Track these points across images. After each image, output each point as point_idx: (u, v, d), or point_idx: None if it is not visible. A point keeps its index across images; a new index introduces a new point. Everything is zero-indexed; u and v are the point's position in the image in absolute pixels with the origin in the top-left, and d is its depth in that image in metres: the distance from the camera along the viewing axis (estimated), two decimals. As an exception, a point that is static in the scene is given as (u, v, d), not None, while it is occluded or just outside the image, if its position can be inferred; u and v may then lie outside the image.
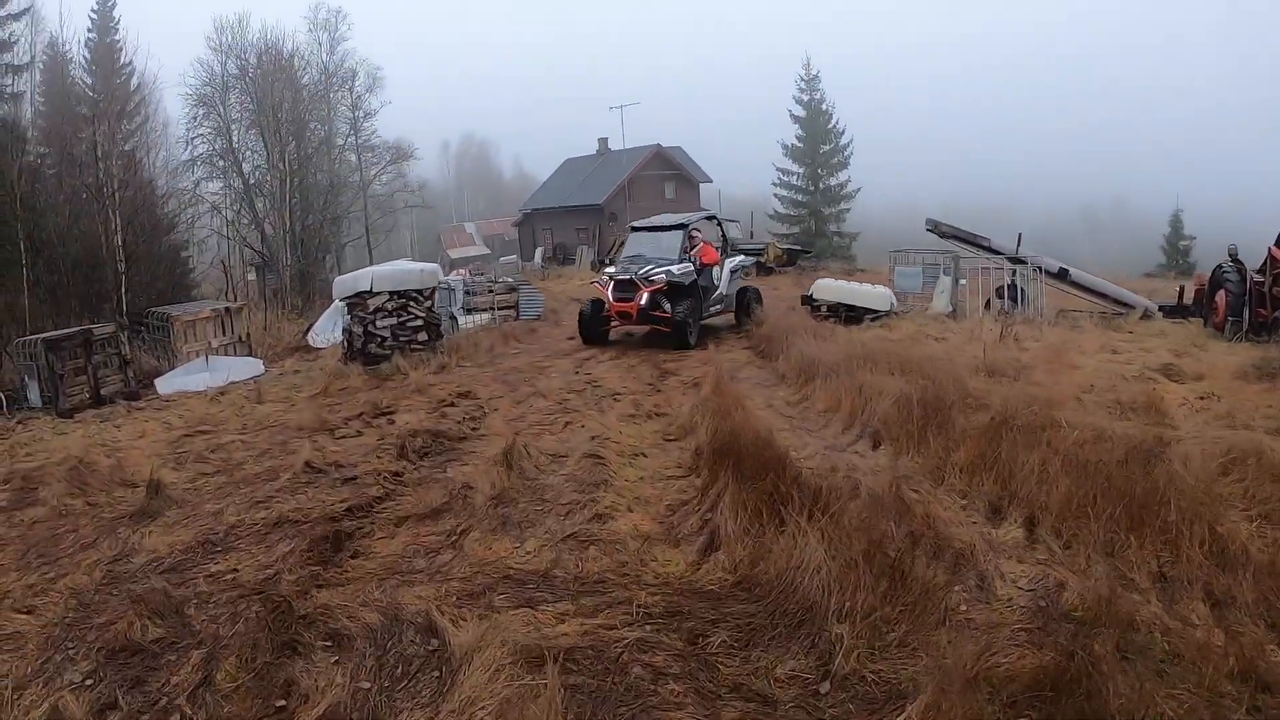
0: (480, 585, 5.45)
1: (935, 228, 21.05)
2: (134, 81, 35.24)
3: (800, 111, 53.93)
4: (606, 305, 15.84)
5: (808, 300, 18.94)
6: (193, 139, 31.41)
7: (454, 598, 5.24)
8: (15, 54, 28.94)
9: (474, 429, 9.78)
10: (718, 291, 16.61)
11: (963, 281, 19.70)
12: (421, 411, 10.68)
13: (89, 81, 34.41)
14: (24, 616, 5.49)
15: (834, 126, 53.84)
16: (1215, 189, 60.49)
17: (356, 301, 14.13)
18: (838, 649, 4.23)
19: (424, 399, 11.45)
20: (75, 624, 5.33)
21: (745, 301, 17.40)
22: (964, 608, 4.79)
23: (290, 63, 33.46)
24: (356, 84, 36.79)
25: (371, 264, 28.18)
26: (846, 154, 53.88)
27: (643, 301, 15.28)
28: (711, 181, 48.90)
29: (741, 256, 18.92)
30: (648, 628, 4.68)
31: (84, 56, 36.38)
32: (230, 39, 31.77)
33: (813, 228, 52.59)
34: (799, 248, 37.06)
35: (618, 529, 6.21)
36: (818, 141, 53.62)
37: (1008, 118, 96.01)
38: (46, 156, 22.62)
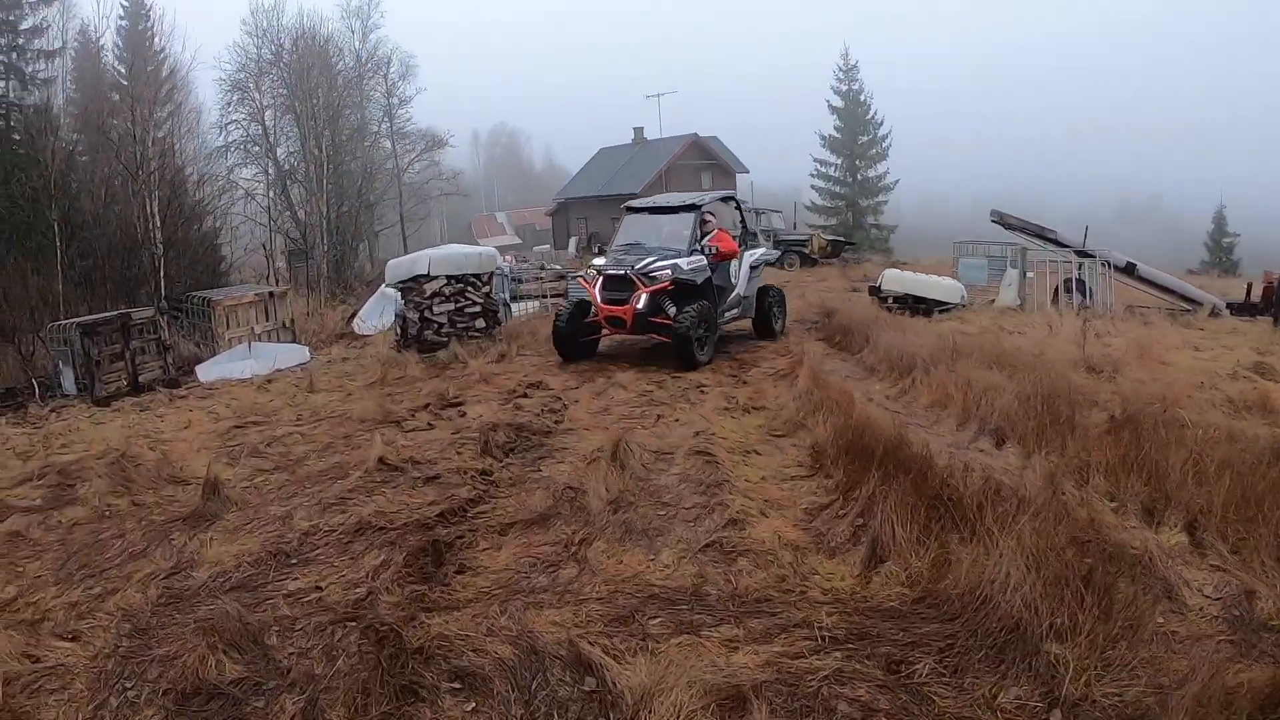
0: (624, 607, 4.54)
1: (1001, 219, 20.04)
2: (166, 68, 34.40)
3: (838, 102, 53.13)
4: (594, 308, 12.09)
5: (875, 291, 18.11)
6: (227, 124, 31.12)
7: (598, 624, 4.36)
8: (47, 39, 28.70)
9: (556, 422, 8.81)
10: (734, 292, 12.80)
11: (1030, 274, 18.81)
12: (493, 403, 9.71)
13: (121, 69, 34.11)
14: (68, 644, 4.54)
15: (872, 118, 52.88)
16: (1258, 187, 59.04)
17: (412, 286, 13.17)
18: (1061, 672, 3.65)
19: (491, 389, 10.49)
20: (132, 656, 4.37)
21: (767, 306, 13.59)
22: (1160, 619, 4.22)
23: (325, 48, 33.12)
24: (390, 71, 36.46)
25: (405, 252, 27.37)
26: (885, 145, 53.05)
27: (640, 305, 11.52)
28: (748, 172, 47.90)
29: (764, 249, 14.95)
30: (837, 654, 3.93)
31: (116, 43, 36.06)
32: (265, 23, 31.44)
33: (850, 220, 51.52)
34: (842, 239, 35.95)
35: (758, 537, 5.38)
36: (856, 133, 52.76)
37: (1039, 115, 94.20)
38: (79, 142, 22.08)
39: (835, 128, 52.92)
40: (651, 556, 5.20)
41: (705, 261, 11.87)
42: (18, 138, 24.31)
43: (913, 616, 4.30)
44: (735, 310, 12.95)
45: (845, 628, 4.19)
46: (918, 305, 16.94)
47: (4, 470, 8.25)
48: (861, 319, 13.85)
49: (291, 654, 4.24)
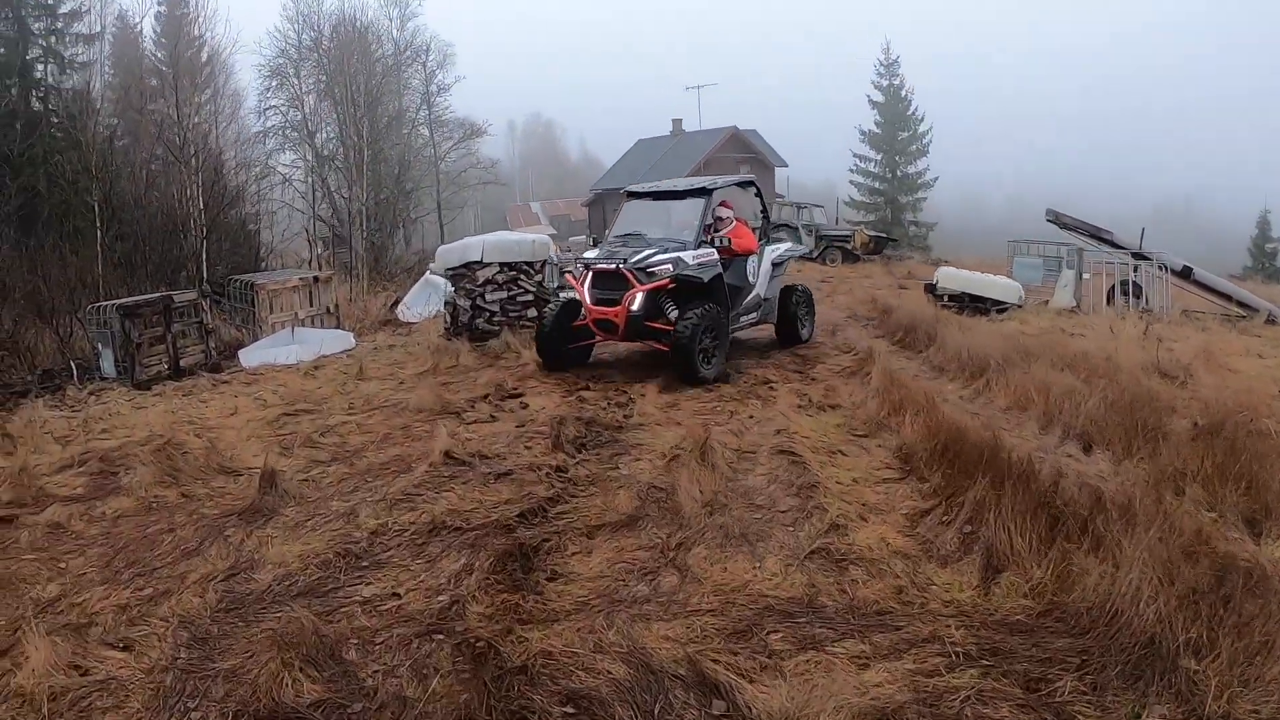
0: (740, 620, 4.11)
1: (1056, 218, 19.46)
2: (204, 54, 34.46)
3: (879, 97, 52.41)
4: (583, 310, 10.30)
5: (930, 288, 17.60)
6: (265, 110, 31.20)
7: (715, 639, 3.94)
8: (86, 24, 28.33)
9: (625, 417, 8.27)
10: (753, 293, 10.93)
11: (1087, 275, 18.25)
12: (555, 395, 9.21)
13: (159, 55, 34.04)
14: (120, 654, 4.04)
15: (913, 113, 52.02)
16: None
17: (463, 273, 12.64)
18: (1201, 689, 3.40)
19: (552, 381, 9.93)
20: (192, 670, 3.87)
21: (792, 310, 11.75)
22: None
23: (365, 35, 33.06)
24: (428, 59, 36.48)
25: (443, 240, 26.94)
26: (925, 141, 52.20)
27: (634, 307, 9.73)
28: (787, 166, 47.26)
29: (788, 244, 12.64)
30: (973, 672, 3.63)
31: (154, 28, 36.26)
32: (305, 9, 31.56)
33: (889, 216, 50.73)
34: (885, 235, 35.23)
35: (863, 543, 4.99)
36: (896, 128, 51.94)
37: (1073, 116, 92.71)
38: (117, 127, 21.93)
39: (875, 123, 52.23)
40: (756, 564, 4.77)
41: (716, 257, 10.10)
42: (56, 120, 24.25)
43: (1041, 631, 3.99)
44: (753, 314, 11.05)
45: (975, 643, 3.87)
46: (974, 304, 16.45)
47: (43, 455, 7.77)
48: (923, 317, 13.33)
49: (376, 672, 3.75)
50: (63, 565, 5.22)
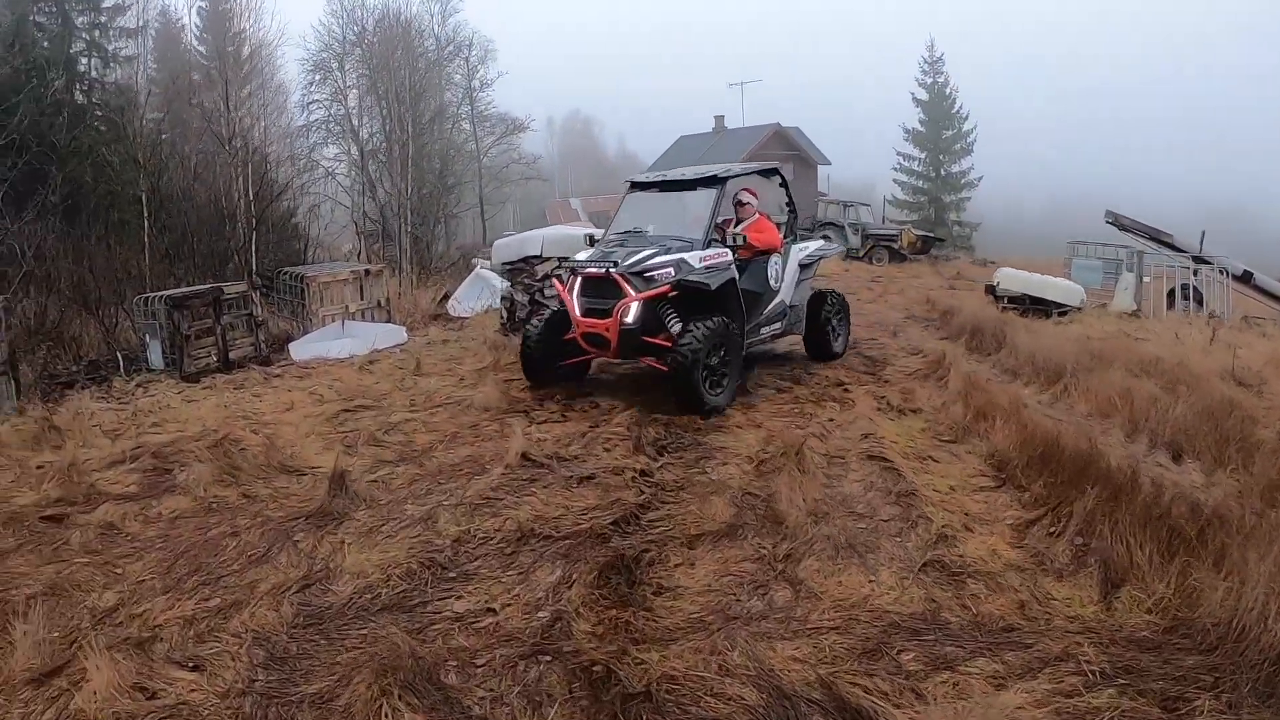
0: (866, 638, 3.83)
1: (1116, 220, 19.14)
2: (247, 48, 34.77)
3: (923, 95, 51.56)
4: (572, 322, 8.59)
5: (991, 289, 17.10)
6: (309, 104, 31.47)
7: (846, 659, 3.65)
8: (129, 18, 28.93)
9: (704, 418, 7.72)
10: (775, 300, 9.28)
11: (1147, 278, 17.74)
12: (625, 393, 8.70)
13: (201, 49, 34.37)
14: (190, 675, 3.63)
15: (957, 111, 51.07)
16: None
17: (521, 267, 12.24)
18: None
19: (619, 376, 9.49)
20: (274, 695, 3.44)
21: (824, 318, 10.05)
22: None
23: (408, 30, 33.10)
24: (470, 55, 36.64)
25: (485, 236, 26.70)
26: (970, 140, 51.20)
27: (627, 319, 8.08)
28: (830, 164, 46.69)
29: (820, 243, 10.94)
30: (1110, 692, 3.39)
31: (196, 23, 36.34)
32: (349, 3, 31.81)
33: (932, 215, 49.81)
34: (932, 235, 34.44)
35: (974, 555, 4.71)
36: (940, 126, 51.02)
37: (1119, 120, 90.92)
38: (163, 119, 22.01)
39: (920, 120, 51.32)
40: (871, 577, 4.45)
41: (729, 258, 8.43)
42: (100, 113, 24.36)
43: (1169, 648, 3.76)
44: (776, 324, 9.40)
45: (1107, 660, 3.63)
46: (1035, 306, 15.99)
47: (92, 450, 7.40)
48: (987, 319, 12.90)
49: (483, 699, 3.35)
50: (119, 570, 4.83)
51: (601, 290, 8.19)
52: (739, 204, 9.29)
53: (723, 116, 47.75)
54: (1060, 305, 16.03)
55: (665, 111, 70.27)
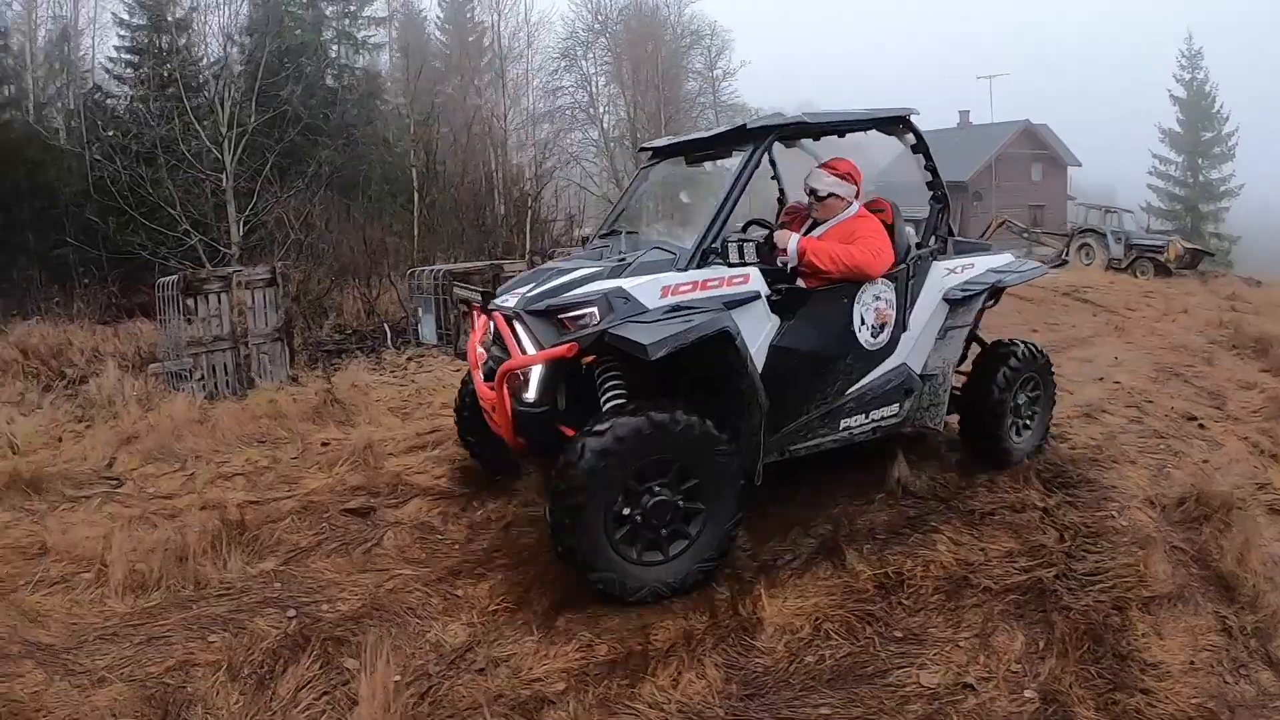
0: None
1: None
2: (487, 38, 36.22)
3: (1180, 92, 46.71)
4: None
5: None
6: (553, 91, 32.21)
7: None
8: (375, 7, 31.09)
9: (1082, 450, 6.10)
10: (876, 369, 4.82)
11: None
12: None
13: (443, 39, 36.87)
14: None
15: (1218, 111, 46.15)
16: None
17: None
18: None
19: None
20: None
21: (995, 396, 5.36)
22: None
23: (651, 20, 33.64)
24: (709, 45, 36.07)
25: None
26: (1231, 144, 46.10)
27: (527, 394, 4.16)
28: (1080, 165, 43.31)
29: (1005, 257, 5.68)
30: None
31: (437, 15, 38.23)
32: None
33: (1188, 225, 45.12)
34: (1200, 248, 30.86)
35: None
36: (1198, 128, 46.19)
37: None
38: (438, 98, 22.98)
39: (1177, 120, 46.69)
40: None
41: (739, 291, 4.22)
42: (352, 96, 25.22)
43: None
44: (883, 409, 4.91)
45: None
46: None
47: (380, 429, 6.57)
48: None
49: None
50: (457, 592, 3.82)
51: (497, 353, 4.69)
52: (816, 195, 4.88)
53: (968, 111, 45.26)
54: None
55: (906, 103, 67.11)
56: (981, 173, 39.97)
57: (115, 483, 5.71)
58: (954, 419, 5.52)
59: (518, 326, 4.26)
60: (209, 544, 4.20)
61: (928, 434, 5.63)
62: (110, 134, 20.29)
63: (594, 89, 31.25)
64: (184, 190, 18.26)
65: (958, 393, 5.44)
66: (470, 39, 36.52)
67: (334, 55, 28.17)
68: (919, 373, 5.05)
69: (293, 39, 22.35)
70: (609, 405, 4.00)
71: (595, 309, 4.02)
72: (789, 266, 4.54)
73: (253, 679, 3.21)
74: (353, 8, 29.74)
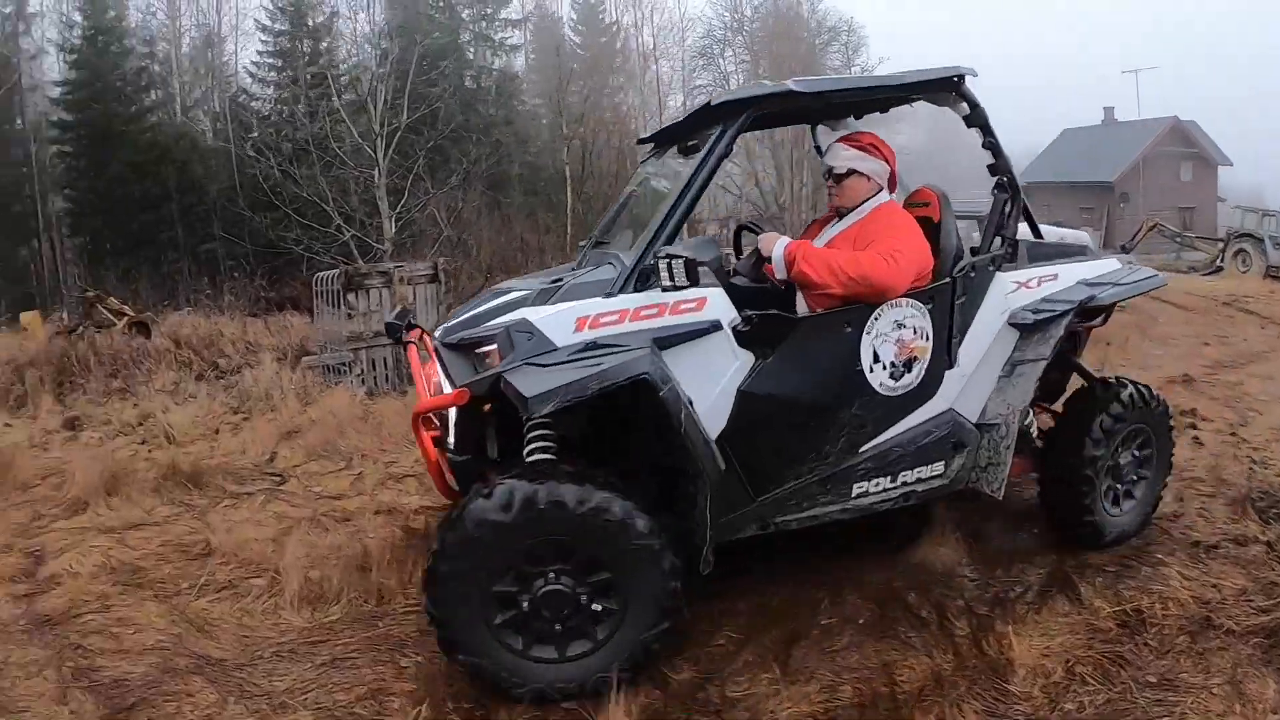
0: None
1: None
2: (619, 40, 37.28)
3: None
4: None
5: None
6: (691, 89, 32.68)
7: None
8: (510, 10, 31.74)
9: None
10: (901, 420, 3.59)
11: None
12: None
13: (576, 39, 37.42)
14: None
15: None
16: None
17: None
18: None
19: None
20: None
21: (1092, 453, 3.95)
22: None
23: (788, 17, 33.96)
24: (844, 41, 36.24)
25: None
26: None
27: (450, 438, 3.51)
28: (1231, 164, 40.72)
29: (1107, 263, 4.25)
30: None
31: (571, 16, 38.81)
32: None
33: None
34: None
35: None
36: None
37: None
38: (540, 105, 23.19)
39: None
40: None
41: (666, 322, 3.20)
42: (489, 97, 25.60)
43: None
44: (921, 473, 3.67)
45: None
46: None
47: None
48: None
49: None
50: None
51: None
52: (834, 174, 3.68)
53: (1113, 108, 43.45)
54: None
55: (1047, 102, 64.21)
56: (1128, 173, 38.23)
57: (278, 479, 5.60)
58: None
59: (439, 361, 3.56)
60: (390, 554, 3.94)
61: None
62: (255, 135, 21.03)
63: (732, 88, 31.03)
64: (337, 187, 18.81)
65: (1038, 444, 4.17)
66: (603, 40, 37.04)
67: (471, 57, 28.71)
68: (974, 421, 3.78)
69: (433, 41, 22.87)
70: (530, 459, 3.21)
71: (496, 345, 3.24)
72: (782, 282, 3.52)
73: (457, 715, 2.93)
74: (489, 10, 30.25)
